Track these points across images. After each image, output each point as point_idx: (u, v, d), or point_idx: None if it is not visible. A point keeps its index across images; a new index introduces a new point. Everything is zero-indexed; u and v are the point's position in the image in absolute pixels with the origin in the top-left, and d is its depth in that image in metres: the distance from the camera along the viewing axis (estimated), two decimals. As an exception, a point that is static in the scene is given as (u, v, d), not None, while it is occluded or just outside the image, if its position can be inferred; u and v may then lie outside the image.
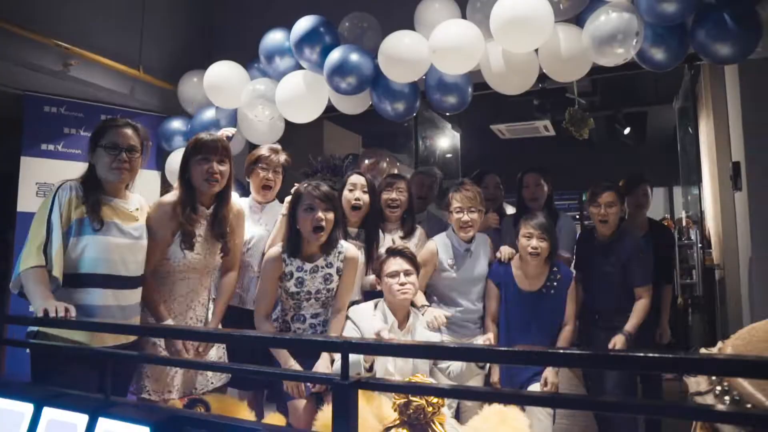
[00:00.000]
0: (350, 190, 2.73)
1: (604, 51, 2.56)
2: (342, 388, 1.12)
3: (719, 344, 1.35)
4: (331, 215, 2.33)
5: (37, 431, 1.37)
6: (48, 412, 1.39)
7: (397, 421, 1.76)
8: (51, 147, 3.49)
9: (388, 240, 2.82)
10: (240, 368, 1.88)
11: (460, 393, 1.44)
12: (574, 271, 2.92)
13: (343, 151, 5.26)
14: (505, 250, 2.80)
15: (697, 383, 1.29)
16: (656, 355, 1.06)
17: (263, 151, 2.78)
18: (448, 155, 6.52)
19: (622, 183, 3.23)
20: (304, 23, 3.13)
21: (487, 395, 1.31)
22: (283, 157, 2.80)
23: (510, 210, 3.59)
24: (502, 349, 1.52)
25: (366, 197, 2.72)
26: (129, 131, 2.17)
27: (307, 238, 2.34)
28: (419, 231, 2.94)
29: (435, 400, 1.74)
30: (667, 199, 7.91)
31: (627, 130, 5.72)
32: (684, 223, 4.44)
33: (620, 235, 2.84)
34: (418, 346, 1.33)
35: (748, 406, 1.14)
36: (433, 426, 1.75)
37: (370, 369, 2.12)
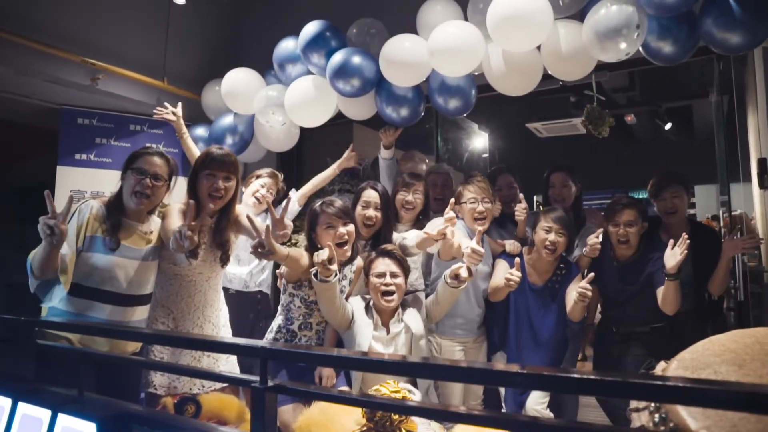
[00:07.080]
0: (363, 207, 2.66)
1: (605, 46, 2.45)
2: (259, 392, 1.15)
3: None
4: (351, 228, 2.41)
5: (13, 424, 1.48)
6: (22, 407, 1.50)
7: (365, 428, 1.76)
8: (84, 156, 3.73)
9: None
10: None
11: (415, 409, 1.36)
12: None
13: (376, 154, 5.28)
14: (513, 245, 2.77)
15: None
16: (591, 377, 0.98)
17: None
18: (483, 155, 6.41)
19: (650, 185, 2.88)
20: (311, 28, 3.16)
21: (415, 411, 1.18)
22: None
23: None
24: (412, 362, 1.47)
25: (379, 214, 2.66)
26: (158, 160, 2.28)
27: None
28: None
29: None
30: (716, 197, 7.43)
31: (668, 126, 5.42)
32: (722, 223, 4.15)
33: (642, 255, 2.63)
34: (338, 356, 1.33)
35: (671, 425, 1.08)
36: (399, 433, 1.74)
37: None
